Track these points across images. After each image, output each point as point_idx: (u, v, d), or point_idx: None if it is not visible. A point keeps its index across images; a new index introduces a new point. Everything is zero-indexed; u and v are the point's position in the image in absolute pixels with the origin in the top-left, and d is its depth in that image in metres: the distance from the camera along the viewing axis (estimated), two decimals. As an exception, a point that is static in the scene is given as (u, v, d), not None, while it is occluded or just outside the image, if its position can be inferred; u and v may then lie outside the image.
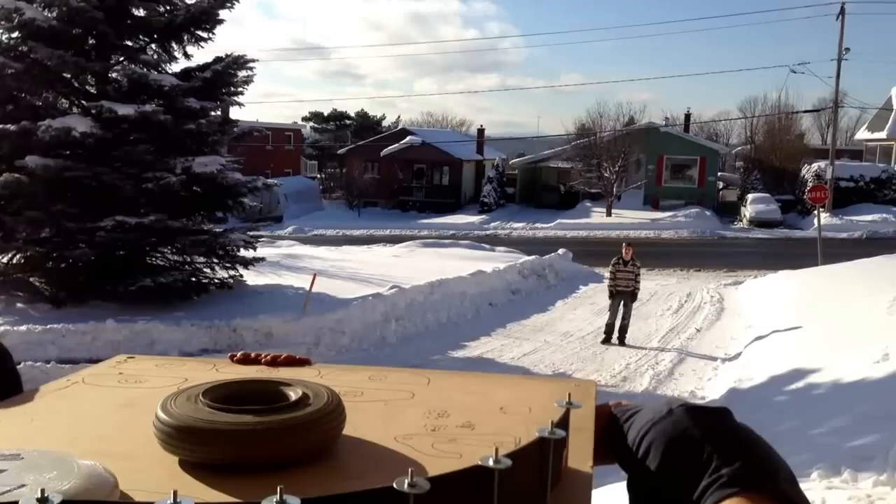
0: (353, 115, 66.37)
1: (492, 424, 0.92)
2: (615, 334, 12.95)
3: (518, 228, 35.48)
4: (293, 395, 0.90)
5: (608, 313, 13.20)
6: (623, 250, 13.24)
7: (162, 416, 0.84)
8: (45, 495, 0.73)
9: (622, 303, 12.98)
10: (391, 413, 0.97)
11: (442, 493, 0.73)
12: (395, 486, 0.71)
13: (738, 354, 11.84)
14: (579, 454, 0.90)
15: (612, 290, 13.14)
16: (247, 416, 0.84)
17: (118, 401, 1.02)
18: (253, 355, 1.16)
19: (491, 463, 0.76)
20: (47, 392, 1.07)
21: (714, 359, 11.84)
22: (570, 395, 0.95)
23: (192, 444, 0.81)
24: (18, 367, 1.52)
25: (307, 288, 13.28)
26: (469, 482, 0.77)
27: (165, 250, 14.53)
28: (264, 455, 0.81)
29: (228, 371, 1.13)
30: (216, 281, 14.71)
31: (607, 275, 13.96)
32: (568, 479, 0.88)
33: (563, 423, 0.89)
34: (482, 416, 0.94)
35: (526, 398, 1.00)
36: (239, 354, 1.16)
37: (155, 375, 1.12)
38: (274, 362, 1.15)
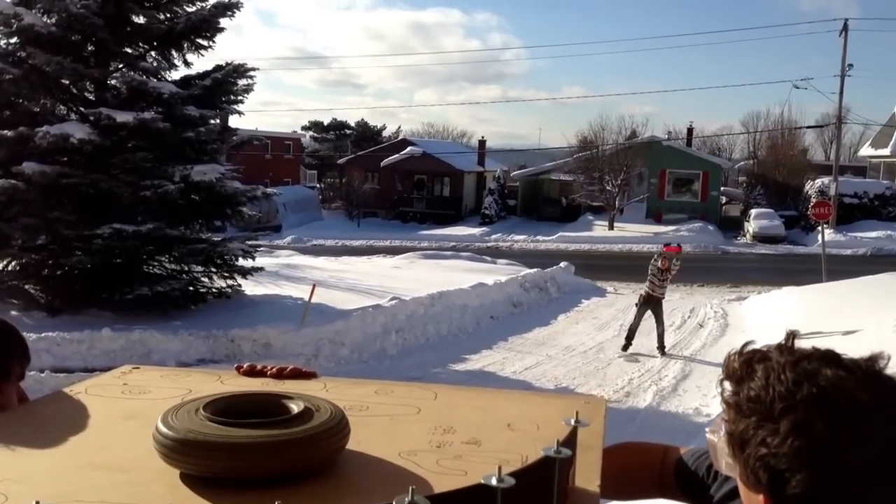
0: (353, 124, 66.47)
1: (498, 441, 0.90)
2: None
3: (519, 241, 35.47)
4: (295, 408, 0.88)
5: (633, 317, 13.10)
6: (661, 261, 13.00)
7: (162, 428, 0.83)
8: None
9: (649, 309, 12.90)
10: (396, 428, 0.95)
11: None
12: (394, 504, 0.70)
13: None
14: (587, 473, 0.89)
15: (648, 294, 12.97)
16: (246, 429, 0.83)
17: (121, 412, 1.01)
18: (259, 367, 1.15)
19: (494, 482, 0.74)
20: (51, 402, 1.06)
21: (719, 373, 11.77)
22: (577, 413, 0.94)
23: (192, 458, 0.80)
24: None
25: (306, 298, 13.24)
26: (471, 501, 0.76)
27: (163, 259, 14.44)
28: (264, 469, 0.80)
29: (233, 383, 1.12)
30: (214, 290, 14.64)
31: (644, 287, 13.58)
32: (574, 498, 0.87)
33: (571, 441, 0.87)
34: (489, 433, 0.93)
35: (534, 415, 0.99)
36: (245, 366, 1.15)
37: (159, 386, 1.11)
38: (280, 375, 1.14)
